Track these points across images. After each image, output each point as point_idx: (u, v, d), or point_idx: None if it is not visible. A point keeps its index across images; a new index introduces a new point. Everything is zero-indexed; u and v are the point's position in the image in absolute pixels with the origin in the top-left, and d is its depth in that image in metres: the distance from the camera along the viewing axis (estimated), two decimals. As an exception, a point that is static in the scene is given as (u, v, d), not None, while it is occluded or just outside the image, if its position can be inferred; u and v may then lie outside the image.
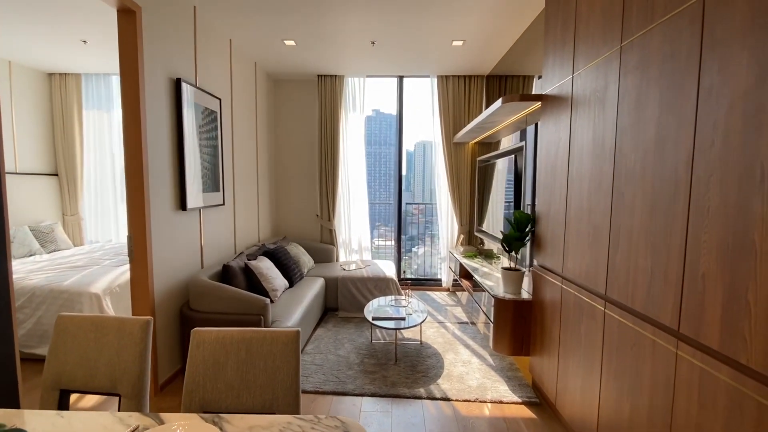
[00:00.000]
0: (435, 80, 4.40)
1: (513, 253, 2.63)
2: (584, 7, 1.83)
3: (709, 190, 1.09)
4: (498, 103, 2.57)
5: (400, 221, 4.84)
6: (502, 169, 3.44)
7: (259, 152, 4.12)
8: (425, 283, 4.87)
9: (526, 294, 2.56)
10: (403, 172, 4.83)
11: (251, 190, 3.93)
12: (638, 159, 1.41)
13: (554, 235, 2.14)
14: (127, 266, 3.16)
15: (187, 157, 2.62)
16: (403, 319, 2.85)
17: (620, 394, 1.51)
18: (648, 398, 1.35)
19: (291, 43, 3.42)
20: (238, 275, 2.78)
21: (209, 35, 3.00)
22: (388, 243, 5.51)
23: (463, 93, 4.38)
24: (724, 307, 1.03)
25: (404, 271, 4.91)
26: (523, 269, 2.68)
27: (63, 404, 1.28)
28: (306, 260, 3.92)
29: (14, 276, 2.81)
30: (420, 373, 2.61)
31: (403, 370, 2.64)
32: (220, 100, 3.12)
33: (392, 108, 4.72)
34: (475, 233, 4.35)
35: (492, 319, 2.61)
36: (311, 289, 3.37)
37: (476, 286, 3.25)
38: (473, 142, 4.44)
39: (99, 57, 3.87)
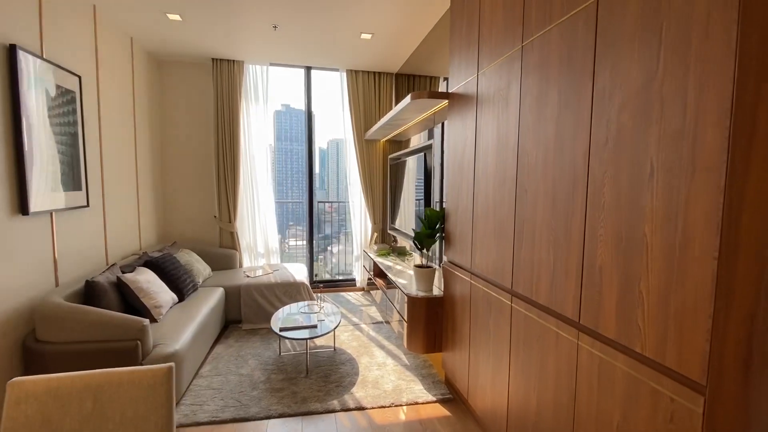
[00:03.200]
0: (345, 75, 4.25)
1: (425, 251, 2.62)
2: (487, 7, 1.86)
3: (604, 185, 1.14)
4: (407, 99, 2.53)
5: (312, 221, 4.59)
6: (412, 167, 3.45)
7: (139, 144, 3.50)
8: (340, 284, 4.71)
9: (438, 291, 2.58)
10: (316, 170, 4.59)
11: (129, 189, 3.32)
12: (540, 156, 1.45)
13: (463, 232, 2.16)
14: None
15: (31, 147, 2.05)
16: (315, 326, 2.65)
17: (528, 386, 1.55)
18: (553, 388, 1.39)
19: (176, 17, 2.94)
20: (107, 293, 2.28)
21: (61, -5, 2.40)
22: (300, 244, 5.22)
23: (373, 89, 4.32)
24: (619, 298, 1.08)
25: (316, 275, 4.66)
26: (435, 266, 2.69)
27: None
28: (201, 268, 3.45)
29: None
30: (333, 383, 2.45)
31: (315, 382, 2.45)
32: (79, 77, 2.54)
33: (302, 102, 4.45)
34: (389, 231, 4.33)
35: (405, 318, 2.57)
36: (207, 302, 2.96)
37: (390, 285, 3.20)
38: (384, 139, 4.42)
39: None
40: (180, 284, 2.90)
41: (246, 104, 4.06)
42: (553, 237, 1.38)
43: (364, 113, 4.30)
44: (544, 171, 1.42)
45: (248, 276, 3.61)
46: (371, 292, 4.48)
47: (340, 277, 5.01)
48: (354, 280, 4.68)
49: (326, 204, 5.41)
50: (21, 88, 1.99)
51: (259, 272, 3.75)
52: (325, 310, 2.95)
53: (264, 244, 4.27)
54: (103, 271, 2.43)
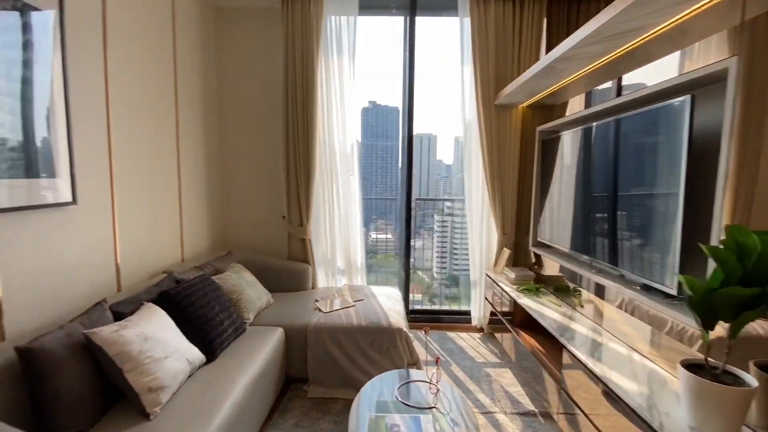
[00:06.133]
0: (467, 10, 2.81)
1: (712, 332, 1.08)
2: None
3: None
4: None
5: (410, 227, 3.28)
6: (629, 136, 1.89)
7: (182, 119, 2.53)
8: (443, 318, 3.32)
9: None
10: (414, 160, 3.25)
11: (164, 178, 2.36)
12: None
13: None
14: None
15: None
16: (432, 456, 1.30)
17: None
18: None
19: None
20: (60, 366, 1.22)
21: None
22: (389, 239, 3.98)
23: (512, 28, 2.79)
24: None
25: (411, 313, 3.27)
26: (750, 382, 1.11)
27: None
28: (254, 296, 2.35)
29: None
30: None
31: None
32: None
33: (400, 63, 3.14)
34: (531, 248, 2.79)
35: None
36: (254, 360, 1.82)
37: (562, 352, 1.70)
38: (525, 104, 2.88)
39: None
40: (213, 331, 1.80)
41: (326, 62, 2.89)
42: None
43: (496, 66, 2.81)
44: None
45: (320, 309, 2.43)
46: (496, 334, 3.00)
47: (445, 308, 3.62)
48: (468, 314, 3.24)
49: (427, 202, 4.05)
50: None
51: (336, 303, 2.55)
52: (443, 403, 1.59)
53: (345, 257, 3.08)
54: (72, 320, 1.40)
